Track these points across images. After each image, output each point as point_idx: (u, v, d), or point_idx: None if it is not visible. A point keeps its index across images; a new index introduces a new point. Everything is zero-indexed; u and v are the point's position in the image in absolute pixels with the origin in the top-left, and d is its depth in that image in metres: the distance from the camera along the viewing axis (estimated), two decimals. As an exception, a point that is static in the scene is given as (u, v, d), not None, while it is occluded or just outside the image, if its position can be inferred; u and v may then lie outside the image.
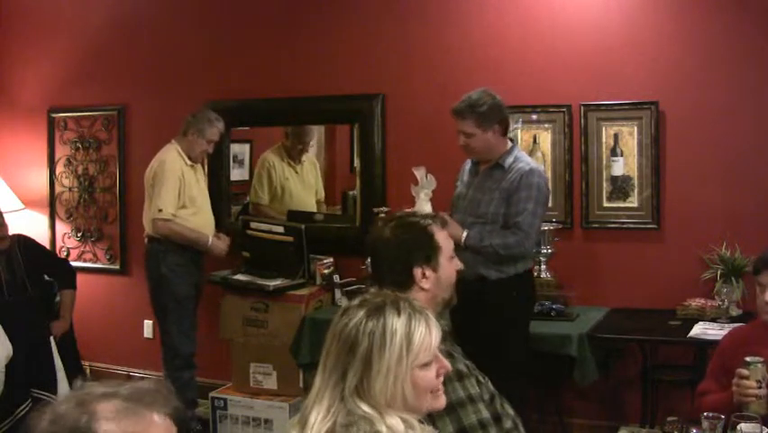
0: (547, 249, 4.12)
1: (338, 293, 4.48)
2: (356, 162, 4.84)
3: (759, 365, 2.40)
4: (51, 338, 4.24)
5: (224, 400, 4.47)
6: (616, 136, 4.22)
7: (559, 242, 4.17)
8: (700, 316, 3.82)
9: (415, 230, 2.37)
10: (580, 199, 4.29)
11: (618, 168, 4.22)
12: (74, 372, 4.28)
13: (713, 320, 3.76)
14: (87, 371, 5.17)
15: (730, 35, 4.02)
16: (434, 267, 2.33)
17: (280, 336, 4.34)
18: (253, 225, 4.70)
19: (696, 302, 3.90)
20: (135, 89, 5.32)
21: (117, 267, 5.46)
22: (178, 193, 4.38)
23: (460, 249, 2.92)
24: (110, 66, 5.40)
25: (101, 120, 5.45)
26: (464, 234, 3.45)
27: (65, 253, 5.52)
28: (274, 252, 4.55)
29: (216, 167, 4.95)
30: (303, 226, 4.49)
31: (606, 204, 4.26)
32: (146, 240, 4.53)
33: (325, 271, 4.59)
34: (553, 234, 4.14)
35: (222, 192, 5.04)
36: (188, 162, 4.45)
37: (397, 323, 1.70)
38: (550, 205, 3.96)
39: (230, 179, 5.15)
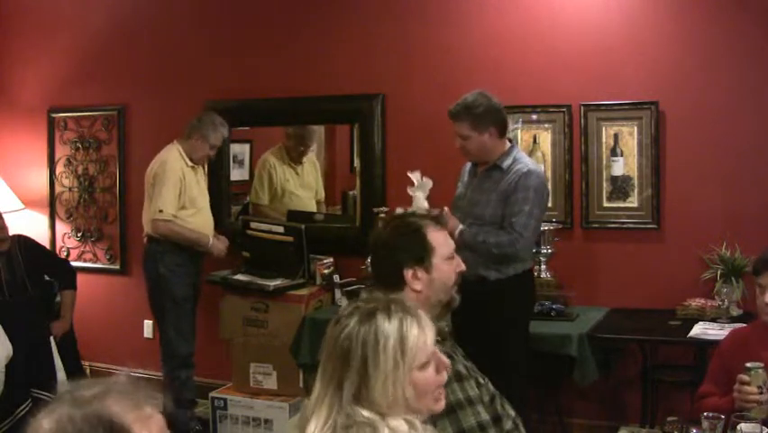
0: (547, 249, 4.11)
1: (338, 293, 4.48)
2: (356, 162, 4.84)
3: (760, 371, 2.40)
4: (51, 338, 4.25)
5: (224, 400, 4.47)
6: (616, 136, 4.21)
7: (559, 242, 4.16)
8: (700, 316, 3.82)
9: (407, 231, 2.33)
10: (580, 199, 4.29)
11: (618, 168, 4.22)
12: (74, 372, 4.30)
13: (713, 320, 3.75)
14: (87, 371, 5.16)
15: (730, 35, 4.02)
16: (426, 268, 2.28)
17: (280, 336, 4.34)
18: (253, 225, 4.70)
19: (696, 302, 3.90)
20: (135, 89, 5.32)
21: (117, 267, 5.46)
22: (179, 194, 4.38)
23: (459, 249, 2.91)
24: (110, 66, 5.39)
25: (101, 120, 5.45)
26: (459, 228, 3.42)
27: (65, 253, 5.52)
28: (274, 252, 4.55)
29: (216, 167, 4.94)
30: (303, 226, 4.49)
31: (606, 204, 4.26)
32: (145, 240, 4.53)
33: (325, 272, 4.59)
34: (553, 234, 4.13)
35: (222, 192, 5.04)
36: (189, 163, 4.45)
37: (388, 328, 1.68)
38: (550, 205, 3.96)
39: (230, 180, 5.15)
